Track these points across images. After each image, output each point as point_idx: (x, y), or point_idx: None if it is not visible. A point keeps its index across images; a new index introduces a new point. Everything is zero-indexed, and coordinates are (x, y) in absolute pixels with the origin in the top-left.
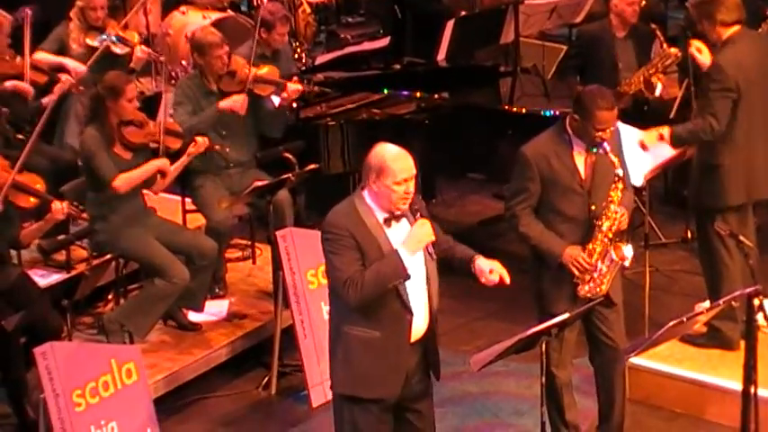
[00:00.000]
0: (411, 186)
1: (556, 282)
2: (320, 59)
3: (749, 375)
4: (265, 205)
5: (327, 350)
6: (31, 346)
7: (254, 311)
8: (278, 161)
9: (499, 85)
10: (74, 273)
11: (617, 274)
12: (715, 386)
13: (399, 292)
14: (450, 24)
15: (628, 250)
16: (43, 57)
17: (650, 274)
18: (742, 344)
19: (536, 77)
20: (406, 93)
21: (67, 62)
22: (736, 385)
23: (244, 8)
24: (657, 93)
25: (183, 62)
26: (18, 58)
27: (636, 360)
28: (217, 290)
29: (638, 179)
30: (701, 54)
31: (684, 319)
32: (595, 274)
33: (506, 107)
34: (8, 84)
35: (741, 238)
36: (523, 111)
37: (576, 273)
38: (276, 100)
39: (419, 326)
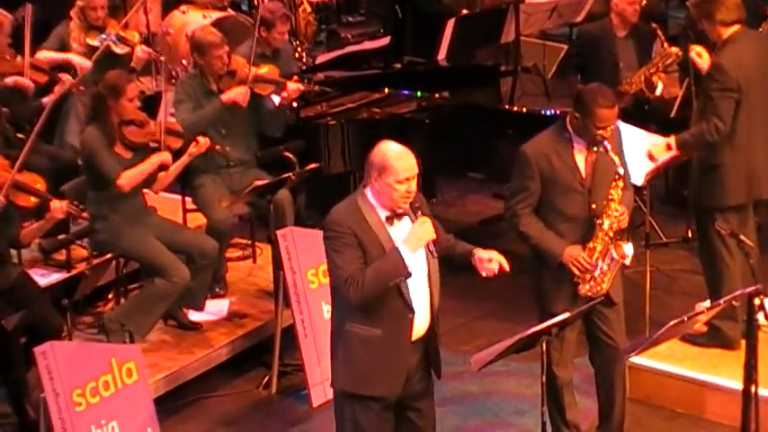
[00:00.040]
0: (413, 185)
1: (556, 281)
2: (321, 59)
3: (750, 375)
4: (266, 204)
5: (328, 348)
6: (32, 346)
7: (255, 311)
8: (278, 160)
9: (500, 84)
10: (74, 272)
11: (617, 273)
12: (715, 385)
13: (401, 290)
14: (451, 24)
15: (628, 249)
16: (47, 55)
17: (651, 274)
18: (742, 343)
19: (537, 77)
20: (406, 92)
21: (73, 57)
22: (737, 385)
23: (244, 7)
24: (658, 92)
25: (184, 61)
26: (18, 58)
27: (636, 359)
28: (217, 289)
29: (638, 178)
30: (701, 58)
31: (685, 319)
32: (596, 273)
33: (507, 106)
34: (8, 80)
35: (742, 237)
36: (524, 110)
37: (577, 272)
38: (276, 99)
39: (421, 324)
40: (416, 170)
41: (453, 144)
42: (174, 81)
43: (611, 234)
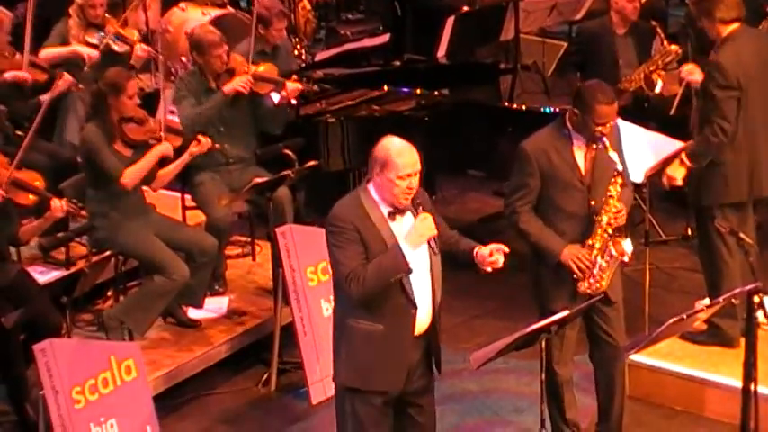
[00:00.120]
0: (414, 182)
1: (555, 279)
2: (320, 56)
3: (749, 372)
4: (265, 202)
5: (329, 344)
6: (31, 343)
7: (254, 308)
8: (278, 158)
9: (499, 82)
10: (73, 270)
11: (617, 271)
12: (715, 383)
13: (404, 285)
14: (451, 21)
15: (627, 245)
16: (52, 51)
17: (650, 272)
18: (742, 341)
19: (536, 74)
20: (406, 90)
21: (79, 48)
22: (736, 382)
23: (243, 4)
24: (658, 90)
25: (183, 58)
26: (18, 55)
27: (636, 357)
28: (216, 287)
29: (638, 176)
30: (694, 75)
31: (684, 317)
32: (595, 270)
33: (506, 104)
34: (7, 75)
35: (741, 235)
36: (523, 108)
37: (576, 270)
38: (276, 97)
39: (423, 319)
40: (419, 167)
41: (453, 142)
42: (173, 78)
43: (609, 231)
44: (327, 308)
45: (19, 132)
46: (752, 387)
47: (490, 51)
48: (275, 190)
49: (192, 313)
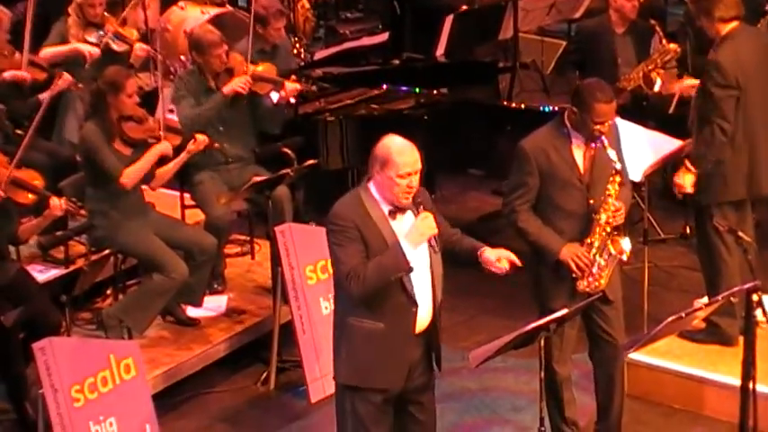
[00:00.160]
0: (414, 181)
1: (554, 277)
2: (319, 55)
3: (748, 371)
4: (264, 201)
5: (329, 342)
6: (30, 342)
7: (253, 307)
8: (276, 157)
9: (498, 80)
10: (72, 268)
11: (616, 270)
12: (714, 382)
13: (404, 284)
14: (450, 20)
15: (626, 244)
16: (53, 50)
17: (649, 270)
18: (741, 340)
19: (535, 73)
20: (404, 88)
21: (79, 46)
22: (735, 381)
23: (242, 3)
24: (656, 88)
25: (182, 57)
26: (17, 54)
27: (634, 356)
28: (215, 285)
29: (636, 175)
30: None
31: (683, 315)
32: (594, 269)
33: (505, 103)
34: (7, 74)
35: (740, 233)
36: (522, 106)
37: (575, 268)
38: (275, 97)
39: (423, 318)
40: (419, 166)
41: (452, 140)
42: (172, 77)
43: (608, 229)
44: (326, 306)
45: (18, 131)
46: (750, 385)
47: (489, 50)
48: (274, 188)
49: (192, 312)
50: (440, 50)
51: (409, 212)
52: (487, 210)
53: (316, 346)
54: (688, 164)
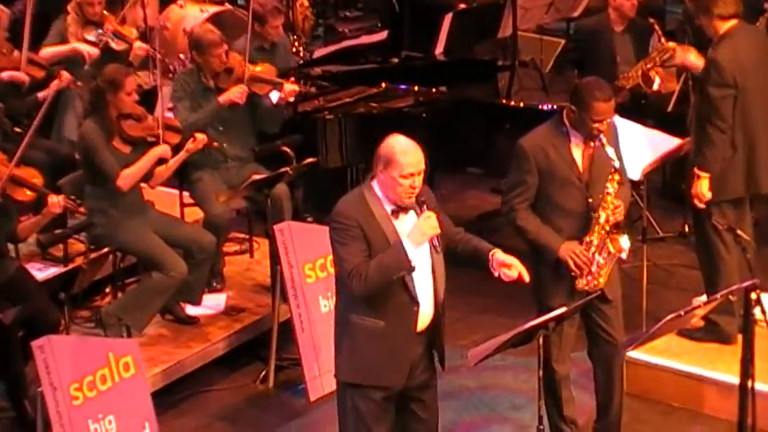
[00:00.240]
0: (417, 181)
1: (553, 276)
2: (318, 53)
3: (746, 369)
4: (263, 199)
5: (327, 341)
6: (29, 340)
7: (252, 305)
8: (276, 155)
9: (497, 79)
10: (71, 266)
11: (615, 269)
12: (712, 380)
13: (406, 283)
14: (448, 18)
15: (624, 242)
16: (52, 50)
17: (648, 268)
18: (739, 338)
19: (534, 71)
20: (403, 87)
21: (78, 46)
22: (734, 379)
23: (241, 1)
24: (655, 87)
25: (181, 55)
26: (15, 52)
27: (633, 354)
28: (214, 283)
29: (635, 173)
30: (688, 55)
31: (682, 313)
32: (593, 267)
33: (504, 101)
34: (4, 74)
35: (738, 232)
36: (521, 105)
37: (573, 266)
38: (275, 96)
39: (425, 316)
40: (422, 166)
41: (451, 139)
42: (171, 75)
43: (607, 228)
44: (325, 305)
45: (18, 129)
46: (749, 384)
47: (488, 48)
48: (273, 187)
49: (190, 310)
50: (439, 49)
51: (412, 212)
52: (486, 208)
53: (315, 345)
54: (697, 171)
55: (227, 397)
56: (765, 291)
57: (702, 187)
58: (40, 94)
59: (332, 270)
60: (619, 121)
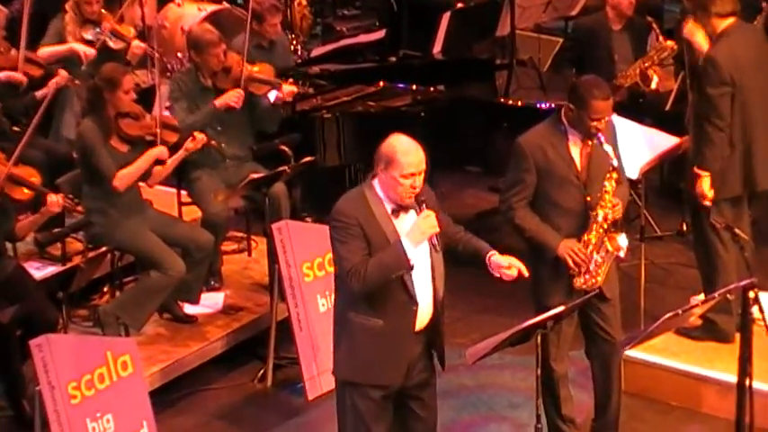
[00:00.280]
0: (418, 181)
1: (552, 275)
2: (316, 52)
3: (744, 368)
4: (261, 198)
5: (326, 340)
6: (27, 339)
7: (250, 304)
8: (274, 154)
9: (495, 77)
10: (69, 265)
11: (613, 268)
12: (710, 379)
13: (405, 282)
14: (446, 17)
15: (622, 240)
16: (50, 50)
17: (646, 267)
18: (737, 336)
19: (532, 70)
20: (401, 85)
21: (75, 46)
22: (732, 378)
23: (239, 0)
24: (653, 85)
25: (179, 54)
26: (13, 51)
27: (631, 353)
28: (212, 282)
29: (633, 172)
30: (695, 36)
31: (680, 312)
32: (591, 266)
33: (502, 100)
34: (2, 74)
35: (736, 230)
36: (519, 104)
37: (572, 264)
38: (272, 96)
39: (424, 315)
40: (423, 166)
41: (449, 137)
42: (169, 74)
43: (605, 226)
44: (323, 303)
45: (16, 128)
46: (747, 382)
47: (486, 47)
48: (271, 185)
49: (188, 309)
50: (437, 47)
51: (412, 211)
52: (485, 207)
53: (313, 343)
54: (697, 170)
55: (226, 396)
56: (763, 289)
57: (704, 186)
58: (38, 93)
59: (330, 269)
60: (617, 120)
